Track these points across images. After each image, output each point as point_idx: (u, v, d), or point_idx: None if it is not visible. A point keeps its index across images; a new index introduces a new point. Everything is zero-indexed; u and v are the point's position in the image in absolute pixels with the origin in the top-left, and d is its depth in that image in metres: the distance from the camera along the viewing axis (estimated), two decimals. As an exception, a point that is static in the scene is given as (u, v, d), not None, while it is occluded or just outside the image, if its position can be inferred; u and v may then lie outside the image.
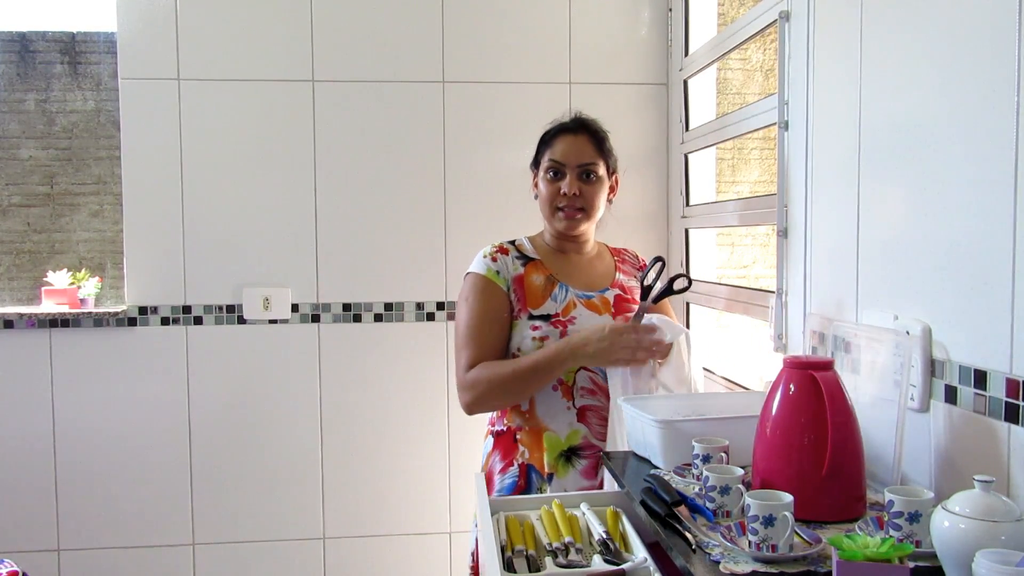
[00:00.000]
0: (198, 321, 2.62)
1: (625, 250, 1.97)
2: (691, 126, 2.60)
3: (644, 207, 2.74)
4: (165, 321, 2.61)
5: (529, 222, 1.92)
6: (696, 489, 1.29)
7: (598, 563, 1.21)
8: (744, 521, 1.08)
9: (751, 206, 2.15)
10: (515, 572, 1.23)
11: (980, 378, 1.13)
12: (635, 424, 1.53)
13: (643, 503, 1.25)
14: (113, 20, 2.56)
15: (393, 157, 2.65)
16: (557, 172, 1.80)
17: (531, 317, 1.75)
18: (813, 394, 1.17)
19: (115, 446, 2.61)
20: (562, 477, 1.72)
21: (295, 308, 2.65)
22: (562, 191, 1.78)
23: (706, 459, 1.31)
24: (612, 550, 1.25)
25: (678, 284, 1.74)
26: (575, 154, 1.79)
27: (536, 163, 1.86)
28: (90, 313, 2.57)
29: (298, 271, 2.64)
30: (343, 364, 2.67)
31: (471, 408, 1.74)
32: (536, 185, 1.85)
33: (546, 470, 1.73)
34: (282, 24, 2.59)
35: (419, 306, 2.68)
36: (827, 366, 1.21)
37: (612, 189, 1.87)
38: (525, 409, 1.76)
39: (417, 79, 2.64)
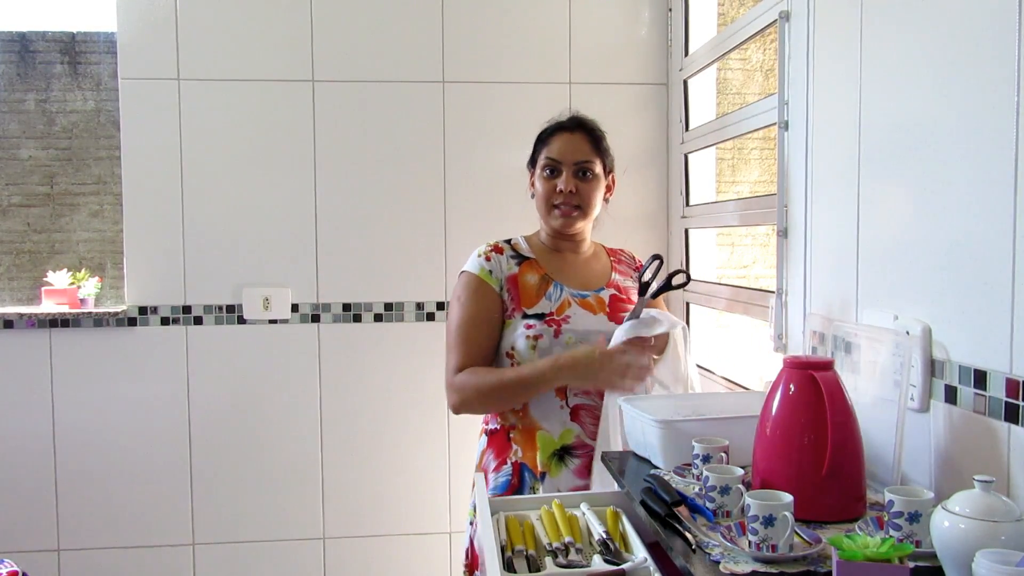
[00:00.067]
0: (198, 321, 2.62)
1: (622, 250, 1.97)
2: (691, 126, 2.60)
3: (644, 207, 2.74)
4: (165, 321, 2.61)
5: (529, 222, 1.92)
6: (696, 489, 1.29)
7: (598, 563, 1.21)
8: (744, 521, 1.08)
9: (751, 206, 2.15)
10: (515, 572, 1.23)
11: (980, 378, 1.13)
12: (635, 424, 1.53)
13: (643, 503, 1.25)
14: (113, 20, 2.56)
15: (393, 157, 2.65)
16: (554, 170, 1.80)
17: (525, 316, 1.75)
18: (813, 394, 1.17)
19: (115, 446, 2.61)
20: (555, 476, 1.72)
21: (295, 308, 2.65)
22: (558, 188, 1.78)
23: (706, 459, 1.31)
24: (612, 550, 1.25)
25: (676, 280, 1.74)
26: (572, 152, 1.79)
27: (533, 162, 1.86)
28: (90, 313, 2.57)
29: (298, 271, 2.64)
30: (343, 364, 2.67)
31: (457, 410, 1.77)
32: (533, 184, 1.85)
33: (539, 469, 1.73)
34: (282, 24, 2.59)
35: (419, 306, 2.68)
36: (827, 366, 1.21)
37: (609, 188, 1.87)
38: (519, 408, 1.76)
39: (417, 79, 2.64)
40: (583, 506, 1.42)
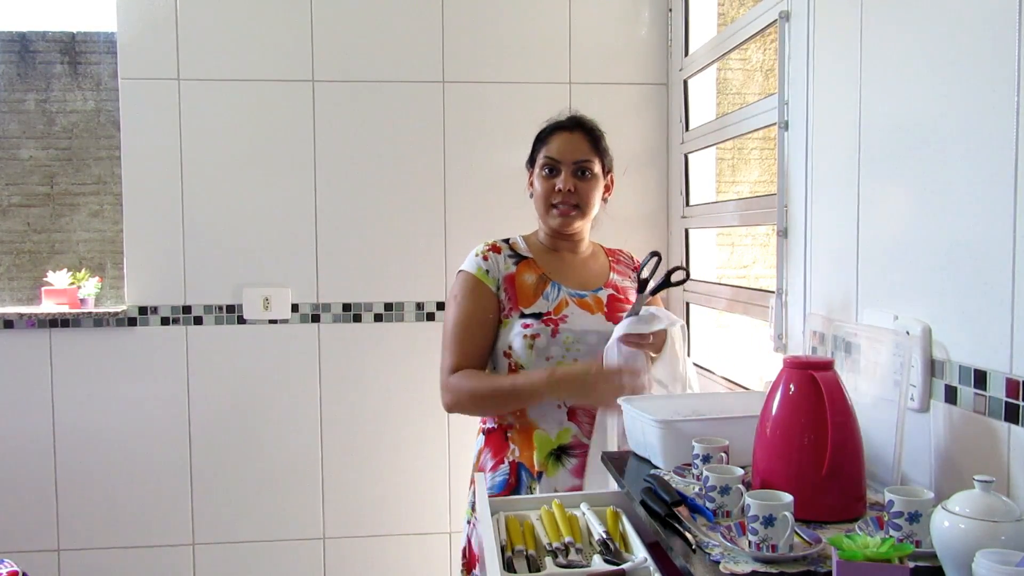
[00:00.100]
0: (198, 321, 2.62)
1: (620, 251, 1.97)
2: (691, 126, 2.60)
3: (644, 207, 2.74)
4: (165, 321, 2.61)
5: (529, 222, 1.92)
6: (696, 489, 1.29)
7: (598, 563, 1.21)
8: (744, 521, 1.08)
9: (751, 206, 2.15)
10: (515, 572, 1.23)
11: (980, 378, 1.13)
12: (635, 424, 1.53)
13: (643, 503, 1.25)
14: (113, 20, 2.56)
15: (393, 157, 2.65)
16: (552, 169, 1.80)
17: (522, 316, 1.75)
18: (813, 394, 1.17)
19: (115, 446, 2.61)
20: (552, 476, 1.73)
21: (295, 308, 2.65)
22: (557, 188, 1.78)
23: (706, 459, 1.31)
24: (612, 550, 1.25)
25: (675, 277, 1.74)
26: (571, 151, 1.79)
27: (532, 161, 1.86)
28: (90, 313, 2.57)
29: (298, 271, 2.64)
30: (343, 364, 2.67)
31: (450, 410, 1.79)
32: (531, 183, 1.86)
33: (536, 468, 1.73)
34: (282, 24, 2.59)
35: (419, 306, 2.68)
36: (827, 366, 1.20)
37: (607, 188, 1.87)
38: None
39: (417, 79, 2.64)
40: (583, 506, 1.42)
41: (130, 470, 2.62)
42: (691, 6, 2.63)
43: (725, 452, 1.32)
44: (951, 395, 1.20)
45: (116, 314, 2.58)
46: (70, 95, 2.75)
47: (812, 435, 1.16)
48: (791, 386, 1.20)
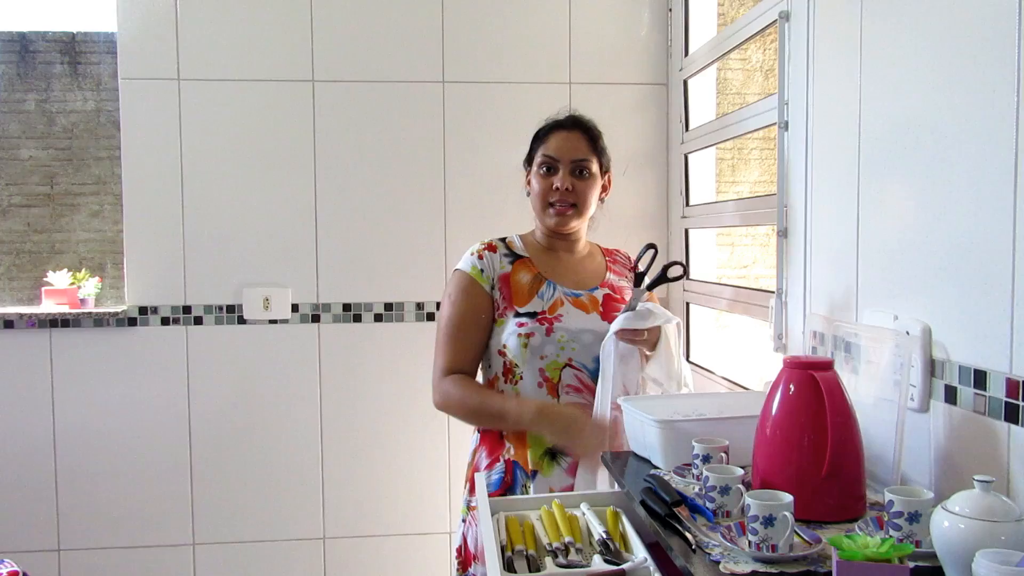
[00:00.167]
0: (198, 321, 2.62)
1: (618, 251, 1.97)
2: (691, 126, 2.60)
3: (644, 207, 2.74)
4: (165, 321, 2.61)
5: (529, 222, 1.92)
6: (696, 489, 1.29)
7: (598, 563, 1.21)
8: (744, 521, 1.08)
9: (751, 206, 2.15)
10: (515, 572, 1.23)
11: (980, 378, 1.13)
12: (635, 424, 1.53)
13: (643, 503, 1.25)
14: (113, 20, 2.56)
15: (393, 157, 2.65)
16: (550, 168, 1.80)
17: (517, 315, 1.75)
18: (813, 394, 1.17)
19: (115, 446, 2.61)
20: (547, 475, 1.73)
21: (295, 308, 2.65)
22: (555, 186, 1.78)
23: (706, 459, 1.31)
24: (612, 550, 1.25)
25: (672, 272, 1.74)
26: (569, 150, 1.79)
27: (529, 160, 1.86)
28: (90, 313, 2.57)
29: (298, 271, 2.64)
30: (343, 364, 2.67)
31: (438, 408, 1.81)
32: (529, 182, 1.86)
33: (530, 467, 1.73)
34: (282, 24, 2.59)
35: (419, 306, 2.68)
36: (827, 366, 1.21)
37: (605, 188, 1.87)
38: None
39: (417, 79, 2.64)
40: (583, 506, 1.42)
41: (130, 470, 2.62)
42: (691, 6, 2.63)
43: (725, 452, 1.32)
44: (951, 395, 1.20)
45: (116, 314, 2.58)
46: (70, 95, 2.75)
47: (812, 435, 1.16)
48: (791, 386, 1.20)
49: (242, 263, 2.62)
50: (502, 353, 1.77)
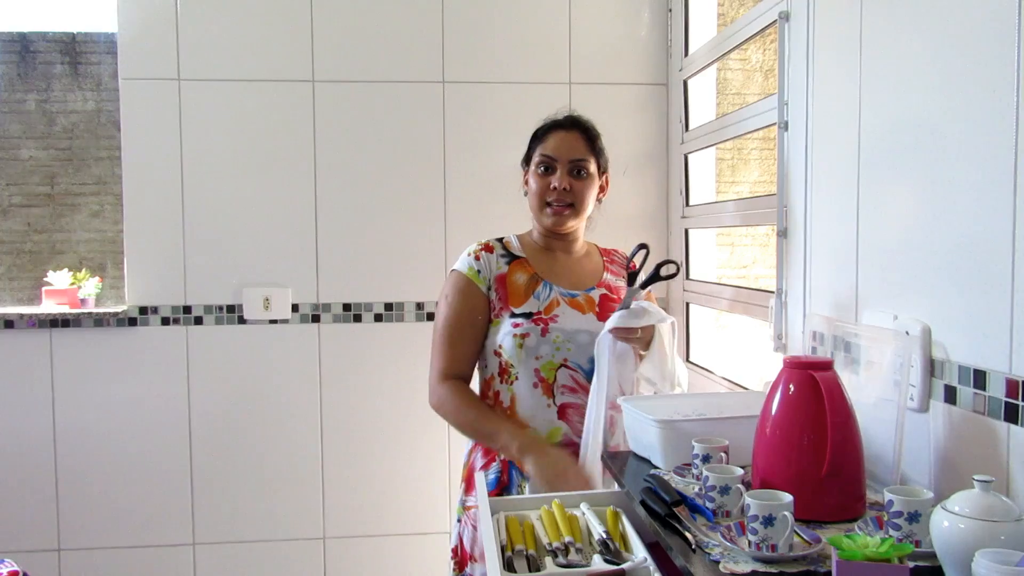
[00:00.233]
0: (198, 321, 2.62)
1: (616, 251, 1.96)
2: (691, 126, 2.60)
3: (644, 207, 2.74)
4: (165, 321, 2.61)
5: (528, 222, 1.92)
6: (696, 489, 1.29)
7: (598, 563, 1.21)
8: (744, 521, 1.08)
9: (751, 206, 2.15)
10: (515, 572, 1.23)
11: (980, 378, 1.13)
12: (635, 424, 1.53)
13: (643, 503, 1.25)
14: (113, 20, 2.56)
15: (393, 157, 2.65)
16: (548, 167, 1.80)
17: (513, 315, 1.76)
18: (813, 394, 1.17)
19: (115, 446, 2.61)
20: None
21: (295, 308, 2.65)
22: (552, 186, 1.78)
23: (706, 459, 1.31)
24: (612, 550, 1.25)
25: (665, 270, 1.73)
26: (567, 150, 1.79)
27: (527, 159, 1.86)
28: (90, 313, 2.57)
29: (298, 271, 2.64)
30: (343, 364, 2.67)
31: (433, 408, 1.82)
32: (526, 182, 1.85)
33: (525, 468, 1.73)
34: (282, 24, 2.59)
35: (419, 306, 2.68)
36: (827, 366, 1.21)
37: (602, 188, 1.87)
38: (507, 406, 1.77)
39: (417, 79, 2.64)
40: (583, 506, 1.42)
41: (130, 470, 2.62)
42: (691, 6, 2.63)
43: (725, 452, 1.32)
44: (951, 395, 1.20)
45: (116, 314, 2.58)
46: (70, 95, 2.75)
47: (812, 435, 1.16)
48: (791, 386, 1.20)
49: (242, 263, 2.62)
50: (498, 353, 1.77)
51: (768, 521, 1.03)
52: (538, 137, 1.85)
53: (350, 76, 2.62)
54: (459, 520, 1.82)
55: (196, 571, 2.66)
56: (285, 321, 2.64)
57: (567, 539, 1.29)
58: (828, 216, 1.59)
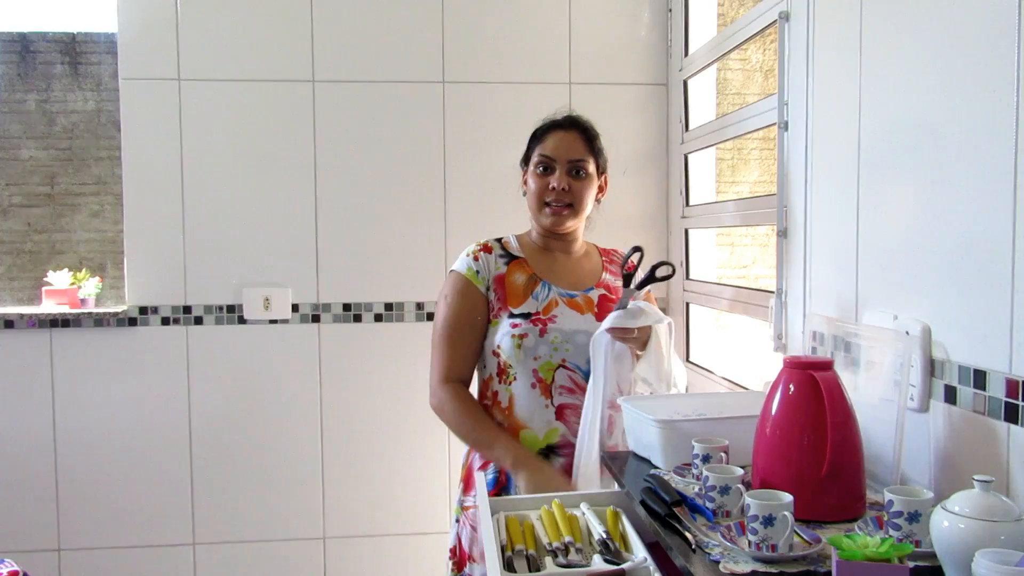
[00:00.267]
0: (198, 321, 2.62)
1: (615, 251, 1.96)
2: (691, 126, 2.60)
3: (644, 207, 2.74)
4: (165, 321, 2.61)
5: (528, 223, 1.92)
6: (696, 489, 1.29)
7: (598, 563, 1.21)
8: (744, 521, 1.08)
9: (751, 206, 2.15)
10: (515, 572, 1.23)
11: (980, 378, 1.13)
12: (635, 424, 1.54)
13: (643, 503, 1.25)
14: (113, 20, 2.56)
15: (393, 157, 2.65)
16: (547, 167, 1.80)
17: (511, 315, 1.76)
18: (813, 394, 1.17)
19: (115, 446, 2.61)
20: None
21: (295, 308, 2.65)
22: (551, 186, 1.78)
23: (706, 459, 1.32)
24: (612, 550, 1.25)
25: (660, 272, 1.73)
26: (566, 150, 1.79)
27: (526, 159, 1.86)
28: (90, 313, 2.57)
29: (298, 271, 2.64)
30: (343, 364, 2.67)
31: (434, 411, 1.83)
32: (525, 182, 1.85)
33: None
34: (282, 24, 2.59)
35: (419, 306, 2.68)
36: (827, 366, 1.21)
37: (601, 189, 1.87)
38: (505, 406, 1.77)
39: (417, 79, 2.64)
40: (583, 506, 1.42)
41: (130, 470, 2.62)
42: (691, 6, 2.63)
43: (725, 452, 1.32)
44: (951, 395, 1.20)
45: (116, 314, 2.58)
46: (70, 95, 2.75)
47: (812, 435, 1.17)
48: (791, 386, 1.20)
49: (242, 263, 2.62)
50: (496, 354, 1.77)
51: (768, 521, 1.03)
52: (537, 137, 1.85)
53: (350, 76, 2.62)
54: (457, 520, 1.82)
55: (196, 571, 2.66)
56: (285, 321, 2.64)
57: (567, 539, 1.29)
58: (828, 216, 1.59)
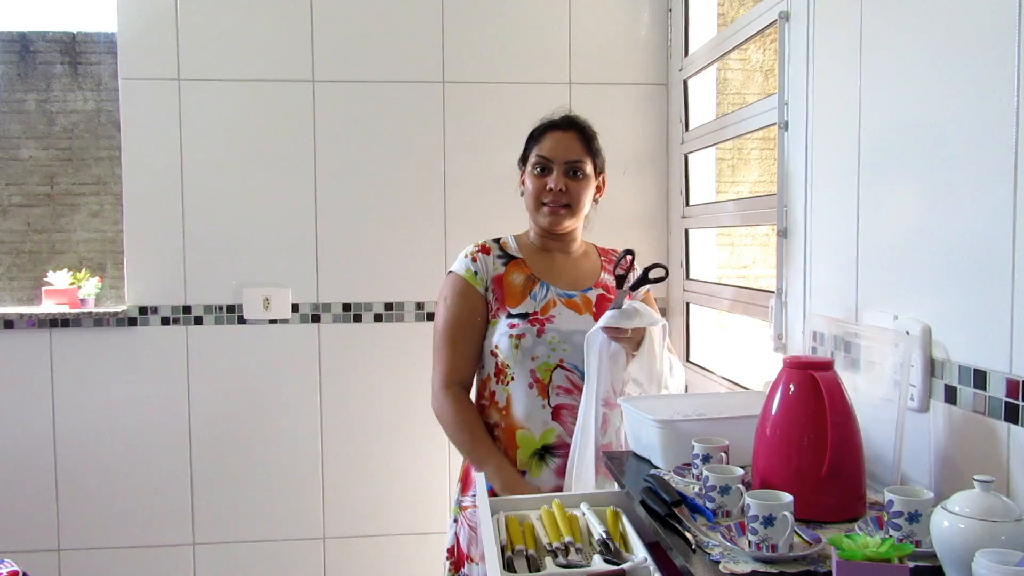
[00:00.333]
0: (198, 321, 2.62)
1: (614, 251, 1.96)
2: (691, 126, 2.60)
3: (644, 207, 2.74)
4: (165, 321, 2.61)
5: (528, 223, 1.92)
6: (696, 489, 1.29)
7: (598, 563, 1.21)
8: (744, 521, 1.08)
9: (751, 206, 2.15)
10: (515, 572, 1.23)
11: (980, 378, 1.13)
12: (635, 424, 1.53)
13: (643, 503, 1.25)
14: (113, 20, 2.56)
15: (393, 157, 2.65)
16: (544, 168, 1.80)
17: (509, 316, 1.76)
18: (813, 394, 1.17)
19: (115, 446, 2.61)
20: (536, 476, 1.73)
21: (295, 308, 2.65)
22: (548, 187, 1.78)
23: (706, 459, 1.31)
24: (612, 550, 1.25)
25: (653, 273, 1.73)
26: (563, 151, 1.79)
27: (524, 159, 1.86)
28: (90, 313, 2.57)
29: (298, 271, 2.64)
30: (343, 364, 2.67)
31: (434, 413, 1.84)
32: (523, 182, 1.85)
33: (519, 468, 1.73)
34: (282, 24, 2.59)
35: (419, 306, 2.68)
36: (827, 366, 1.21)
37: (599, 189, 1.87)
38: (502, 407, 1.77)
39: (417, 79, 2.64)
40: (583, 506, 1.42)
41: (130, 470, 2.62)
42: (691, 6, 2.63)
43: (725, 452, 1.32)
44: (951, 395, 1.20)
45: (116, 314, 2.58)
46: (70, 95, 2.75)
47: (812, 435, 1.16)
48: (791, 386, 1.20)
49: (242, 263, 2.62)
50: (494, 354, 1.77)
51: (768, 521, 1.03)
52: (534, 137, 1.84)
53: (350, 76, 2.62)
54: (455, 520, 1.82)
55: (196, 571, 2.66)
56: (285, 321, 2.64)
57: (567, 539, 1.29)
58: (828, 216, 1.59)
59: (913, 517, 1.02)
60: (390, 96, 2.64)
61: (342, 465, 2.68)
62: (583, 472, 1.65)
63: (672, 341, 2.16)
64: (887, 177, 1.37)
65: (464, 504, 1.79)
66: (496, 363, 1.77)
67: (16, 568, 2.17)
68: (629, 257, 1.77)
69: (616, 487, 1.51)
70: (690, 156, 2.61)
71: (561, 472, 1.72)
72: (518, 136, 1.90)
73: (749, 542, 1.05)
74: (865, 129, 1.43)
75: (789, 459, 1.18)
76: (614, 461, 1.55)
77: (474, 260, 1.82)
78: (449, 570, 1.80)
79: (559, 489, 1.69)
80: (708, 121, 2.49)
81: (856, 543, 0.93)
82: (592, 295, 1.81)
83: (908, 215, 1.30)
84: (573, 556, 1.25)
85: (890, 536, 1.02)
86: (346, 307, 2.66)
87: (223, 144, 2.59)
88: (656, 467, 1.46)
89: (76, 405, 2.59)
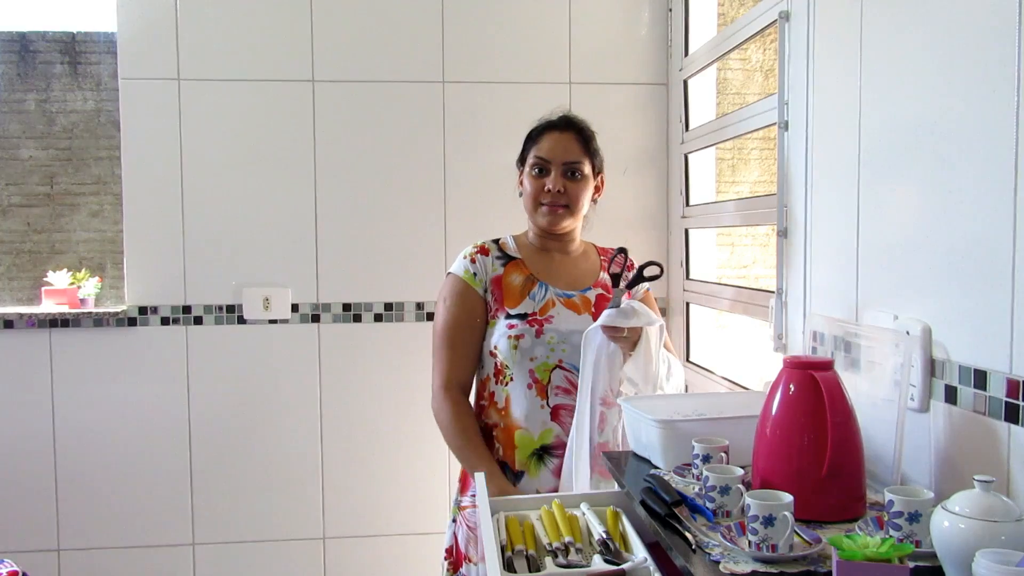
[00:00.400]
0: (198, 321, 2.62)
1: (613, 250, 1.96)
2: (691, 126, 2.60)
3: (644, 207, 2.74)
4: (165, 321, 2.61)
5: (526, 223, 1.92)
6: (696, 489, 1.29)
7: (598, 563, 1.21)
8: (744, 521, 1.08)
9: (751, 206, 2.15)
10: (515, 572, 1.23)
11: (980, 378, 1.13)
12: (635, 424, 1.53)
13: (643, 503, 1.25)
14: (113, 20, 2.56)
15: (393, 157, 2.65)
16: (542, 169, 1.80)
17: (508, 316, 1.76)
18: (813, 394, 1.17)
19: (115, 446, 2.61)
20: (534, 476, 1.73)
21: (295, 308, 2.65)
22: (546, 188, 1.78)
23: (706, 459, 1.31)
24: (612, 550, 1.25)
25: (649, 271, 1.73)
26: (561, 152, 1.79)
27: (522, 160, 1.86)
28: (90, 313, 2.57)
29: (298, 271, 2.64)
30: (343, 364, 2.67)
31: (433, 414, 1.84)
32: (521, 182, 1.85)
33: (517, 468, 1.74)
34: (282, 24, 2.59)
35: (419, 306, 2.68)
36: (827, 366, 1.21)
37: (598, 189, 1.87)
38: (501, 407, 1.77)
39: (417, 79, 2.64)
40: (583, 506, 1.42)
41: (130, 470, 2.62)
42: (691, 6, 2.63)
43: (725, 452, 1.32)
44: (951, 395, 1.20)
45: (116, 314, 2.58)
46: (70, 95, 2.75)
47: (812, 435, 1.16)
48: (791, 386, 1.20)
49: (242, 263, 2.62)
50: (493, 354, 1.77)
51: (768, 521, 1.03)
52: (532, 138, 1.84)
53: (350, 76, 2.62)
54: (454, 520, 1.82)
55: (196, 571, 2.66)
56: (285, 321, 2.64)
57: (567, 539, 1.29)
58: (828, 216, 1.59)
59: (913, 517, 1.02)
60: (390, 96, 2.63)
61: (342, 465, 2.68)
62: (578, 470, 1.65)
63: (672, 341, 2.16)
64: (887, 177, 1.37)
65: (463, 504, 1.79)
66: (495, 364, 1.77)
67: (16, 568, 2.17)
68: (622, 256, 1.77)
69: (616, 487, 1.51)
70: (690, 156, 2.61)
71: (558, 472, 1.72)
72: (518, 136, 1.90)
73: (749, 542, 1.05)
74: (865, 129, 1.43)
75: (789, 459, 1.18)
76: (614, 461, 1.55)
77: (473, 261, 1.82)
78: (447, 570, 1.80)
79: (556, 489, 1.69)
80: (708, 121, 2.49)
81: (856, 543, 0.93)
82: (591, 295, 1.81)
83: (908, 215, 1.30)
84: (573, 556, 1.25)
85: (890, 536, 1.02)
86: (346, 307, 2.66)
87: (223, 144, 2.59)
88: (656, 467, 1.46)
89: (76, 405, 2.59)
